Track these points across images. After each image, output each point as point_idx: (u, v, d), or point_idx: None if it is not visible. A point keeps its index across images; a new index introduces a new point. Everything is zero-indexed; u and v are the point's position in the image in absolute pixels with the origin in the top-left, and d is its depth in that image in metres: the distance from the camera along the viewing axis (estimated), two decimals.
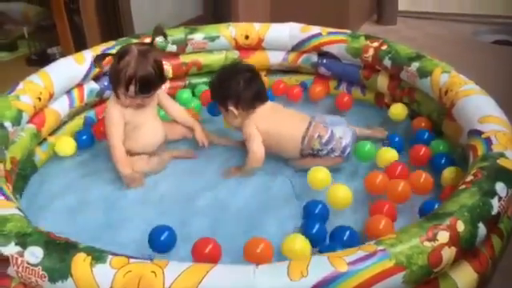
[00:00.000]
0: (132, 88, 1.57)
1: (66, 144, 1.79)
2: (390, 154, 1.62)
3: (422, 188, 1.47)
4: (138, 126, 1.68)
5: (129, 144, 1.69)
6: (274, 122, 1.68)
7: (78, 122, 1.95)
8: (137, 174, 1.64)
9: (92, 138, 1.89)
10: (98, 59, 1.72)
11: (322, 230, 1.31)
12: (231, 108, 1.68)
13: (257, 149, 1.65)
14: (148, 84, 1.59)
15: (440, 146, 1.67)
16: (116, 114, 1.64)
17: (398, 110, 1.92)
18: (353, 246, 1.23)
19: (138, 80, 1.56)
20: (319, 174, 1.51)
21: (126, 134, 1.67)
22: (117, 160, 1.63)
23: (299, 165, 1.66)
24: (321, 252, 1.22)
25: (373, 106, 2.11)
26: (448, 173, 1.50)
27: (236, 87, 1.67)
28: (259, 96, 1.72)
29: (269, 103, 1.75)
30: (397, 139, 1.75)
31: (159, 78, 1.62)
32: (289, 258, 1.17)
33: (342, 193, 1.43)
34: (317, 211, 1.39)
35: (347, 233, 1.29)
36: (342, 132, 1.65)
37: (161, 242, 1.29)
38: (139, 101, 1.63)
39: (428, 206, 1.34)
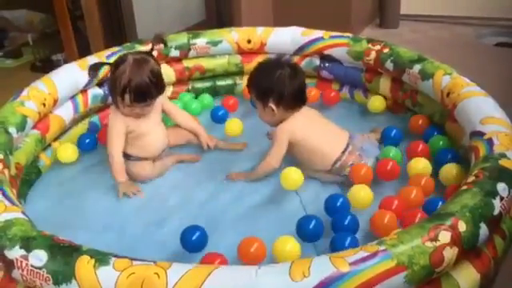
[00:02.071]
0: (127, 97, 1.57)
1: (67, 151, 1.78)
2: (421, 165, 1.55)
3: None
4: (141, 134, 1.68)
5: (132, 150, 1.69)
6: (311, 134, 1.61)
7: (82, 127, 1.96)
8: (131, 183, 1.66)
9: (95, 141, 1.90)
10: (93, 69, 1.73)
11: (319, 225, 1.32)
12: (271, 105, 1.60)
13: (274, 161, 1.60)
14: (143, 93, 1.58)
15: (440, 141, 1.68)
16: (118, 124, 1.65)
17: (376, 103, 2.01)
18: (354, 232, 1.32)
19: (133, 89, 1.56)
20: (293, 175, 1.50)
21: (130, 141, 1.68)
22: (114, 169, 1.64)
23: (318, 176, 1.61)
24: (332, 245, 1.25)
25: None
26: (446, 170, 1.50)
27: (280, 83, 1.58)
28: (301, 95, 1.64)
29: (311, 111, 1.69)
30: (394, 131, 1.76)
31: (155, 87, 1.60)
32: (279, 259, 1.21)
33: (363, 193, 1.44)
34: (338, 204, 1.41)
35: (348, 218, 1.34)
36: (373, 164, 1.60)
37: (192, 242, 1.30)
38: (138, 110, 1.62)
39: (431, 204, 1.34)
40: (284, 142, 1.60)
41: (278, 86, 1.59)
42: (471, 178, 1.19)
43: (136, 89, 1.56)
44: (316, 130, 1.63)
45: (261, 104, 1.64)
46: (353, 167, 1.56)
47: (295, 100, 1.62)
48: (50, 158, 1.79)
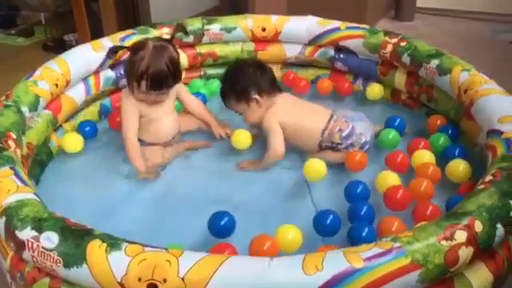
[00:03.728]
0: (144, 83, 1.56)
1: (72, 140, 1.74)
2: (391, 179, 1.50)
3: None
4: (153, 119, 1.67)
5: (143, 135, 1.68)
6: (294, 115, 1.66)
7: (92, 109, 1.96)
8: (151, 167, 1.64)
9: (95, 128, 1.86)
10: (111, 52, 1.71)
11: (336, 221, 1.31)
12: (255, 96, 1.65)
13: (278, 146, 1.63)
14: (160, 81, 1.57)
15: (441, 138, 1.67)
16: (131, 107, 1.63)
17: (374, 90, 2.03)
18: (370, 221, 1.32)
19: (150, 76, 1.54)
20: (315, 166, 1.51)
21: (141, 126, 1.67)
22: (130, 153, 1.62)
23: (317, 158, 1.62)
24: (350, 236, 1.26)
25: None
26: (454, 165, 1.50)
27: (253, 75, 1.67)
28: (275, 82, 1.73)
29: (289, 96, 1.75)
30: (398, 120, 1.78)
31: (173, 75, 1.59)
32: (281, 249, 1.21)
33: (391, 179, 1.45)
34: (358, 191, 1.42)
35: (365, 208, 1.35)
36: (362, 128, 1.65)
37: (221, 228, 1.31)
38: (153, 97, 1.61)
39: (455, 201, 1.32)
40: (276, 126, 1.64)
41: (252, 78, 1.67)
42: (488, 178, 1.17)
43: (153, 76, 1.55)
44: (298, 110, 1.69)
45: (244, 103, 1.68)
46: (347, 153, 1.58)
47: (272, 85, 1.70)
48: (61, 139, 1.78)
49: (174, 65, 1.59)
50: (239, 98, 1.68)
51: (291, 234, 1.24)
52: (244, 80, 1.67)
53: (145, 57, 1.55)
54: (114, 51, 1.73)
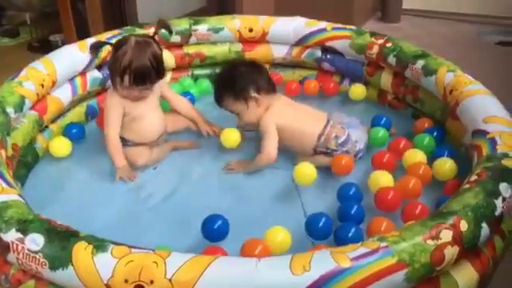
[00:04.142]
0: (126, 78, 1.55)
1: (60, 145, 1.72)
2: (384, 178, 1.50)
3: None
4: (137, 117, 1.66)
5: (128, 134, 1.68)
6: (291, 117, 1.66)
7: (79, 110, 1.94)
8: (129, 168, 1.63)
9: (82, 130, 1.85)
10: (94, 47, 1.70)
11: (328, 223, 1.31)
12: (254, 94, 1.64)
13: (272, 150, 1.61)
14: (143, 76, 1.56)
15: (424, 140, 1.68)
16: (115, 104, 1.63)
17: (357, 91, 2.05)
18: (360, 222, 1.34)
19: (133, 71, 1.54)
20: (306, 170, 1.51)
21: (126, 124, 1.66)
22: (110, 151, 1.62)
23: (310, 161, 1.59)
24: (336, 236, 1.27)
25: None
26: (440, 164, 1.51)
27: (251, 73, 1.67)
28: (272, 81, 1.73)
29: (286, 98, 1.76)
30: (384, 119, 1.80)
31: (156, 70, 1.58)
32: (270, 250, 1.21)
33: (384, 179, 1.46)
34: (351, 193, 1.44)
35: (354, 208, 1.36)
36: (358, 136, 1.65)
37: (214, 231, 1.30)
38: (136, 93, 1.60)
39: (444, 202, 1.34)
40: (273, 130, 1.63)
41: (248, 76, 1.66)
42: (473, 177, 1.18)
43: (136, 71, 1.54)
44: (295, 113, 1.69)
45: (243, 102, 1.66)
46: (334, 157, 1.58)
47: (269, 83, 1.70)
48: (47, 140, 1.76)
49: (157, 60, 1.58)
50: (237, 97, 1.67)
51: (280, 236, 1.24)
52: (243, 78, 1.66)
53: (127, 52, 1.54)
54: (96, 47, 1.71)
